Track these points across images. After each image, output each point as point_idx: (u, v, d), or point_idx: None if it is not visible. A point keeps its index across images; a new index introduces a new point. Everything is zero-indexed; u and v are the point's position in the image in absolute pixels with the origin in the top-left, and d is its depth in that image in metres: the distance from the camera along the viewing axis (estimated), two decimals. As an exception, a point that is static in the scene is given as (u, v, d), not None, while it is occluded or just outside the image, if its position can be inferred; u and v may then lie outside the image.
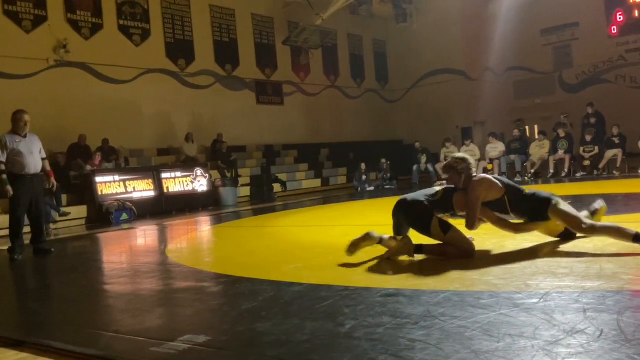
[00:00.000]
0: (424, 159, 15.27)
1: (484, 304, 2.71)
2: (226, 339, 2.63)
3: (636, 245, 3.58)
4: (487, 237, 4.52)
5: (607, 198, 4.58)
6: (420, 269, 3.73)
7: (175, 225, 9.18)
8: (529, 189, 4.23)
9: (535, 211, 4.04)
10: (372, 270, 3.90)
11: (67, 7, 12.45)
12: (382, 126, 20.03)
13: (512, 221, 4.19)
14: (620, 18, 15.29)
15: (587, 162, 13.02)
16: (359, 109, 19.57)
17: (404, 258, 4.12)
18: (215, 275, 4.33)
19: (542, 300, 2.69)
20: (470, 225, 4.09)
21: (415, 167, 15.25)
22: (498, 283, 3.12)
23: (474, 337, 2.25)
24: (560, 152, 13.23)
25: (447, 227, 4.08)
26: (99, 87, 12.87)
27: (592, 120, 13.58)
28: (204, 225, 9.04)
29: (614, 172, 12.61)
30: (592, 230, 3.84)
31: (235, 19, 15.98)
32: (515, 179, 13.02)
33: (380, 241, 4.22)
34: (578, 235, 4.14)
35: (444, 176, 4.48)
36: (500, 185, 4.10)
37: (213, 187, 12.84)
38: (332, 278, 3.67)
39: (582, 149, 13.23)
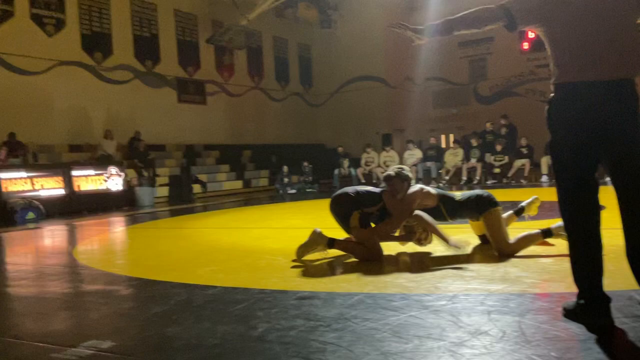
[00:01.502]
0: (346, 163, 15.50)
1: (395, 306, 2.77)
2: (133, 344, 2.52)
3: (549, 239, 3.95)
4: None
5: (514, 205, 4.82)
6: (336, 272, 3.76)
7: (86, 225, 8.76)
8: (461, 193, 4.35)
9: (472, 212, 4.17)
10: (289, 273, 3.89)
11: (-27, -8, 11.64)
12: (305, 129, 20.15)
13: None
14: (531, 35, 16.22)
15: (497, 170, 13.70)
16: (282, 111, 19.58)
17: (318, 254, 4.16)
18: (126, 278, 4.16)
19: (450, 302, 2.79)
20: (391, 229, 4.15)
21: (336, 171, 15.44)
22: (410, 285, 3.20)
23: (384, 338, 2.29)
24: (473, 161, 13.85)
25: (366, 224, 4.14)
26: (7, 77, 12.09)
27: (504, 131, 14.31)
28: (116, 226, 8.69)
29: (522, 180, 13.35)
30: (512, 252, 3.93)
31: (157, 13, 15.53)
32: (430, 185, 13.50)
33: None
34: None
35: (382, 185, 4.51)
36: (435, 194, 4.21)
37: (128, 187, 12.38)
38: (247, 281, 3.62)
39: (492, 157, 13.90)
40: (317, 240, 4.16)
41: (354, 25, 18.71)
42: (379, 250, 4.12)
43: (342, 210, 4.23)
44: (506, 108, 15.94)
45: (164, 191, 13.41)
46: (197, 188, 13.87)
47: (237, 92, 17.95)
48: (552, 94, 2.45)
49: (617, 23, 2.35)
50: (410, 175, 4.29)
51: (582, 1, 2.36)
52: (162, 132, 15.27)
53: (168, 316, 2.89)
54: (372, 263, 3.95)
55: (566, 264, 2.44)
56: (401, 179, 4.15)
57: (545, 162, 12.99)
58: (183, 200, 12.95)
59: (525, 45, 16.46)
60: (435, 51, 16.82)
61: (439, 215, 4.18)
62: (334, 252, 4.27)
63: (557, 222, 3.85)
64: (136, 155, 13.60)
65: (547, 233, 4.01)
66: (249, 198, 13.46)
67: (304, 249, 4.16)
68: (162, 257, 5.08)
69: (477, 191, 4.29)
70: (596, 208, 2.40)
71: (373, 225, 4.26)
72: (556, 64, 2.44)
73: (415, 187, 4.21)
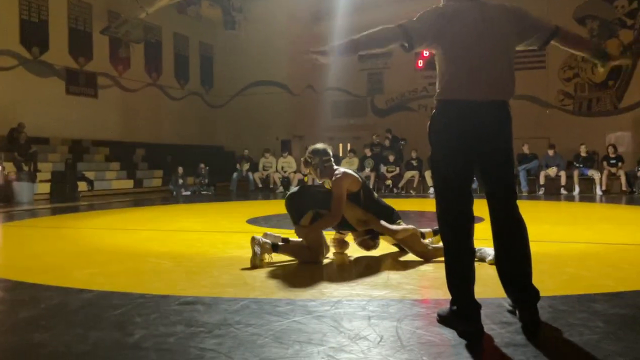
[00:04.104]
0: (246, 166, 15.35)
1: (280, 311, 2.76)
2: (-8, 352, 2.31)
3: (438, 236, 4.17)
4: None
5: (403, 214, 5.00)
6: (222, 277, 3.68)
7: (-48, 221, 7.97)
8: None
9: (383, 212, 4.27)
10: (173, 277, 3.76)
11: None
12: (203, 131, 19.72)
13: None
14: (426, 54, 17.03)
15: (389, 182, 14.23)
16: (180, 110, 19.02)
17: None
18: (-8, 279, 3.82)
19: (333, 307, 2.82)
20: (333, 218, 4.12)
21: (235, 175, 15.25)
22: (296, 291, 3.22)
23: (265, 344, 2.27)
24: (367, 170, 14.28)
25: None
26: None
27: (387, 143, 15.01)
28: (-12, 223, 7.98)
29: (411, 191, 13.96)
30: (433, 255, 4.10)
31: (47, -2, 14.54)
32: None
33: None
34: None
35: (304, 172, 4.49)
36: (359, 179, 4.29)
37: (5, 181, 11.43)
38: (128, 285, 3.45)
39: (385, 168, 14.42)
40: (261, 248, 4.01)
41: (258, 30, 18.64)
42: (320, 250, 4.10)
43: (297, 205, 4.20)
44: (399, 121, 16.63)
45: (45, 187, 12.52)
46: (82, 186, 13.09)
47: (132, 87, 17.20)
48: (434, 110, 2.58)
49: (497, 47, 2.52)
50: (320, 148, 4.33)
51: (467, 24, 2.51)
52: (47, 124, 14.26)
53: (36, 321, 2.69)
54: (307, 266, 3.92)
55: (444, 271, 2.55)
56: (307, 163, 4.26)
57: (429, 175, 13.68)
58: (66, 198, 12.17)
59: (420, 63, 17.22)
60: (337, 62, 17.15)
61: (356, 201, 4.23)
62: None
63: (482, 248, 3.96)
64: (16, 148, 12.59)
65: (434, 232, 4.22)
66: (139, 199, 12.92)
67: (255, 259, 3.97)
68: (36, 258, 4.72)
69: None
70: (471, 219, 2.55)
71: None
72: (440, 81, 2.57)
73: (340, 171, 4.25)
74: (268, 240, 4.07)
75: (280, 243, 4.13)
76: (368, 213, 4.24)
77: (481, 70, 2.48)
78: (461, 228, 2.52)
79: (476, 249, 4.06)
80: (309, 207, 4.17)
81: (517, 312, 2.56)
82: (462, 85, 2.49)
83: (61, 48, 14.90)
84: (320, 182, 4.50)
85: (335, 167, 4.33)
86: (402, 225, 4.22)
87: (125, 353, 2.22)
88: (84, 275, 3.82)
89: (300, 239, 4.17)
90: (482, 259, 3.87)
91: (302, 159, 4.43)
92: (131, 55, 17.12)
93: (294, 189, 4.46)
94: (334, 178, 4.21)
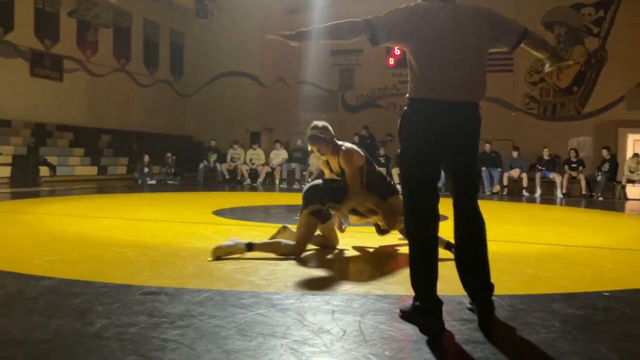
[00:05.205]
0: (213, 157, 15.20)
1: (244, 303, 2.76)
2: (-55, 339, 2.25)
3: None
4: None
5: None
6: (186, 268, 3.65)
7: None
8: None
9: (384, 190, 4.31)
10: (137, 267, 3.72)
11: None
12: (171, 119, 19.45)
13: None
14: (397, 52, 17.16)
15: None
16: (148, 98, 18.71)
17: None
18: (-53, 264, 3.71)
19: (297, 301, 2.84)
20: (354, 194, 4.15)
21: (201, 165, 15.09)
22: (261, 283, 3.22)
23: (228, 336, 2.27)
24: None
25: (322, 218, 4.15)
26: None
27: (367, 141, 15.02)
28: (-56, 206, 7.72)
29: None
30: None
31: (14, -23, 14.10)
32: (294, 186, 13.74)
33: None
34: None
35: (310, 148, 4.37)
36: (363, 154, 4.32)
37: (-37, 163, 11.09)
38: (90, 273, 3.40)
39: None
40: (235, 249, 3.98)
41: (231, 20, 18.44)
42: (301, 247, 4.09)
43: (309, 194, 4.20)
44: (369, 118, 16.71)
45: (5, 171, 12.19)
46: (44, 171, 12.78)
47: (99, 72, 16.83)
48: (406, 107, 2.61)
49: (469, 49, 2.55)
50: (327, 124, 4.32)
51: (439, 24, 2.53)
52: (9, 106, 13.86)
53: (-7, 308, 2.63)
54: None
55: (408, 268, 2.59)
56: (318, 138, 4.25)
57: (395, 172, 13.79)
58: (27, 183, 11.87)
59: (391, 61, 17.35)
60: (309, 57, 17.17)
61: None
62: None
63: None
64: (-25, 129, 12.22)
65: (448, 245, 4.05)
66: (103, 186, 12.68)
67: (219, 250, 3.93)
68: (-6, 243, 4.60)
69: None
70: (437, 217, 2.60)
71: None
72: (411, 80, 2.59)
73: (346, 145, 4.28)
74: (242, 241, 4.03)
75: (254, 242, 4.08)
76: (371, 194, 4.26)
77: (452, 70, 2.51)
78: (426, 226, 2.56)
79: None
80: (314, 199, 4.15)
81: (474, 307, 2.64)
82: (434, 84, 2.52)
83: (26, 29, 14.47)
84: (325, 160, 4.44)
85: (340, 142, 4.34)
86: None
87: (85, 342, 2.19)
88: (44, 262, 3.74)
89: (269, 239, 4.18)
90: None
91: (309, 134, 4.32)
92: (100, 39, 16.75)
93: (316, 181, 4.41)
94: (342, 153, 4.22)
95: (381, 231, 4.44)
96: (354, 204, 4.27)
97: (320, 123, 4.36)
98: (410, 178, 2.60)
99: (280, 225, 4.47)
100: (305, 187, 4.38)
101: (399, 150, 2.65)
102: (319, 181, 4.39)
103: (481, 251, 2.61)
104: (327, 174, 4.54)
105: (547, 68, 2.87)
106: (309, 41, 2.77)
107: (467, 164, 2.63)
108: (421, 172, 2.56)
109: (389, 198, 4.29)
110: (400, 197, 4.21)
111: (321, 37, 2.71)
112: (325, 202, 4.17)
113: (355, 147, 4.35)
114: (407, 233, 2.65)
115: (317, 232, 4.30)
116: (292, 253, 4.01)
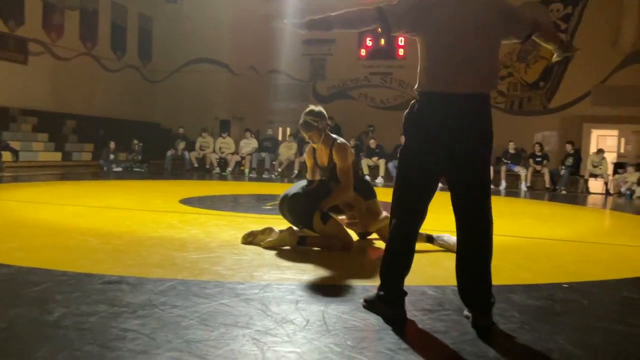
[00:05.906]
0: (181, 145, 15.00)
1: (207, 293, 2.74)
2: None
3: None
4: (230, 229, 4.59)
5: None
6: (150, 257, 3.60)
7: None
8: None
9: (365, 193, 4.27)
10: (99, 255, 3.65)
11: None
12: (139, 106, 19.09)
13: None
14: (369, 43, 17.19)
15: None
16: (115, 83, 18.31)
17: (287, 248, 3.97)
18: None
19: (262, 291, 2.83)
20: (346, 189, 4.08)
21: (169, 153, 14.89)
22: (226, 273, 3.19)
23: (190, 326, 2.25)
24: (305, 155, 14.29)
25: (326, 218, 4.02)
26: None
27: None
28: None
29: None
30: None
31: (-26, -46, 13.59)
32: (264, 176, 13.68)
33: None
34: None
35: (303, 134, 4.19)
36: (352, 152, 4.28)
37: None
38: (51, 261, 3.32)
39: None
40: (288, 238, 3.94)
41: (201, 5, 18.18)
42: (349, 238, 4.06)
43: (298, 212, 4.09)
44: (340, 109, 16.69)
45: (-36, 156, 11.81)
46: (7, 156, 12.43)
47: (65, 55, 16.40)
48: (414, 101, 2.53)
49: (480, 39, 2.45)
50: (323, 111, 4.19)
51: (449, 14, 2.44)
52: (-30, 89, 13.43)
53: (-54, 297, 2.55)
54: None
55: (374, 258, 2.60)
56: (310, 125, 4.11)
57: (365, 163, 13.80)
58: (-12, 168, 11.53)
59: (363, 52, 17.38)
60: (281, 45, 17.05)
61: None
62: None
63: (441, 234, 4.15)
64: None
65: (429, 239, 4.15)
66: (67, 172, 12.42)
67: (256, 238, 3.96)
68: (-50, 230, 4.46)
69: None
70: (424, 216, 2.57)
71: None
72: (421, 72, 2.50)
73: (340, 139, 4.19)
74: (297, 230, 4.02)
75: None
76: (356, 193, 4.23)
77: (459, 61, 2.43)
78: (411, 223, 2.54)
79: (435, 236, 4.20)
80: (311, 209, 4.03)
81: (471, 317, 2.49)
82: (440, 76, 2.44)
83: (-12, 9, 14.00)
84: (311, 148, 4.35)
85: (333, 136, 4.25)
86: (384, 214, 4.15)
87: (43, 331, 2.14)
88: (3, 249, 3.65)
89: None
90: (450, 249, 3.90)
91: (303, 120, 4.14)
92: (65, 22, 16.31)
93: (292, 189, 4.24)
94: (337, 146, 4.12)
95: (361, 234, 4.47)
96: (339, 200, 4.20)
97: (316, 108, 4.18)
98: (408, 172, 2.53)
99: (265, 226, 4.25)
100: (285, 200, 4.18)
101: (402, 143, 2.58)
102: (295, 189, 4.21)
103: (487, 253, 2.52)
104: (310, 165, 4.42)
105: (555, 58, 2.84)
106: (317, 30, 2.67)
107: (470, 163, 2.49)
108: (420, 167, 2.50)
109: (369, 200, 4.29)
110: (378, 201, 4.28)
111: (330, 26, 2.62)
112: (317, 208, 4.05)
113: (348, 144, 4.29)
114: (389, 224, 2.60)
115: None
116: (345, 248, 3.99)
